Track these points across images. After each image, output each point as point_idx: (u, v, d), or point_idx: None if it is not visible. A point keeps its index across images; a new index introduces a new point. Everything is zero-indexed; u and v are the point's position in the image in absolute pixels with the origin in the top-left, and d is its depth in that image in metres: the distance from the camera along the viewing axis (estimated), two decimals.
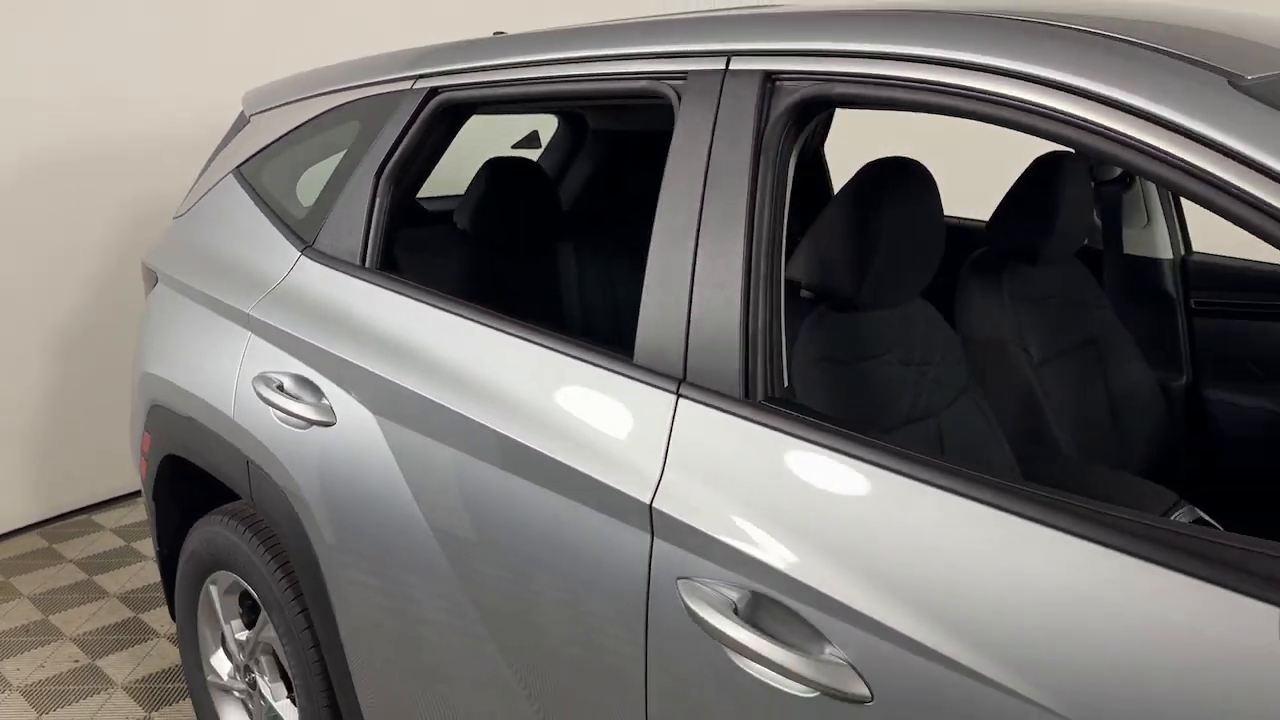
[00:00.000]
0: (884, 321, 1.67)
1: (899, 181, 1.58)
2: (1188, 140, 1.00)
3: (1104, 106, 1.06)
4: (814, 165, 3.17)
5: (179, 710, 2.76)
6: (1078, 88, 1.07)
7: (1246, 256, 2.33)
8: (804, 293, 1.63)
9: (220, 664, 2.38)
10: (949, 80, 1.18)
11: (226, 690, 2.38)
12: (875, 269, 1.54)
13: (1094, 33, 1.14)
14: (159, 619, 3.25)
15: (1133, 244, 2.37)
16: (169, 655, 3.03)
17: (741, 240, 1.33)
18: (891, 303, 1.65)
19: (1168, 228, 2.35)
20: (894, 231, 1.55)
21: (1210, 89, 1.01)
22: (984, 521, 1.07)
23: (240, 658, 2.30)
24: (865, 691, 1.12)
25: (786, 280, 1.39)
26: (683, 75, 1.46)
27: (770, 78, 1.36)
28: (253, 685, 2.29)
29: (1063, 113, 1.08)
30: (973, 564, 1.07)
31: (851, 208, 1.56)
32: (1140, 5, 1.37)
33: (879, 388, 1.64)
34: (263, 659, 2.24)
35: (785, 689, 1.18)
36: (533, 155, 3.41)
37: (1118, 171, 2.32)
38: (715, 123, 1.39)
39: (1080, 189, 2.11)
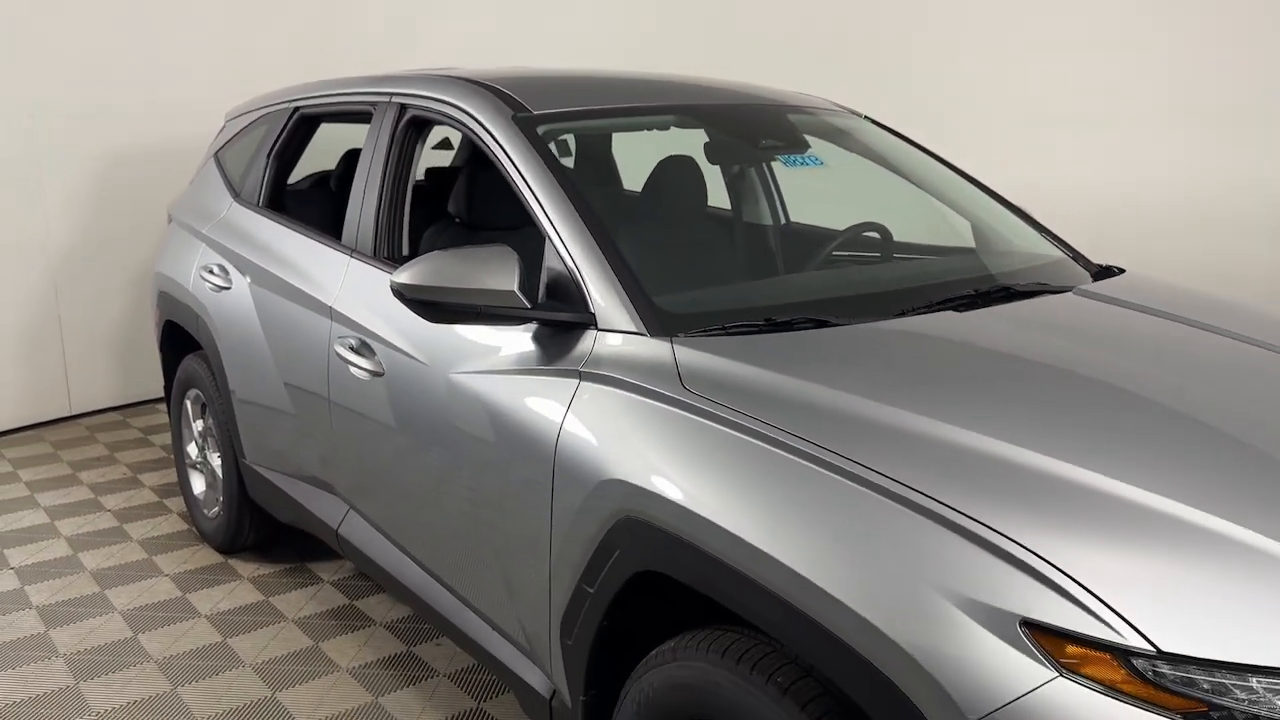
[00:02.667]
0: (501, 237, 3.11)
1: (481, 158, 3.00)
2: (485, 132, 2.45)
3: (456, 111, 2.54)
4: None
5: (169, 482, 4.35)
6: (441, 99, 2.55)
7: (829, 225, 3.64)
8: (456, 220, 3.09)
9: (191, 450, 3.97)
10: (427, 105, 2.66)
11: (194, 466, 3.97)
12: (471, 206, 2.98)
13: (456, 76, 2.61)
14: None
15: (750, 214, 3.71)
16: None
17: (380, 181, 2.82)
18: (499, 226, 3.08)
19: (768, 204, 3.68)
20: (474, 188, 2.97)
21: (491, 109, 2.46)
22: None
23: (198, 441, 3.88)
24: (383, 370, 2.59)
25: (448, 211, 2.87)
26: (376, 102, 2.97)
27: (403, 107, 2.85)
28: (204, 459, 3.87)
29: (450, 116, 2.55)
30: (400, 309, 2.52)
31: (466, 175, 3.01)
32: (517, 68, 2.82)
33: None
34: (208, 439, 3.81)
35: (364, 376, 2.65)
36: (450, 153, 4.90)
37: (736, 168, 3.67)
38: (380, 126, 2.89)
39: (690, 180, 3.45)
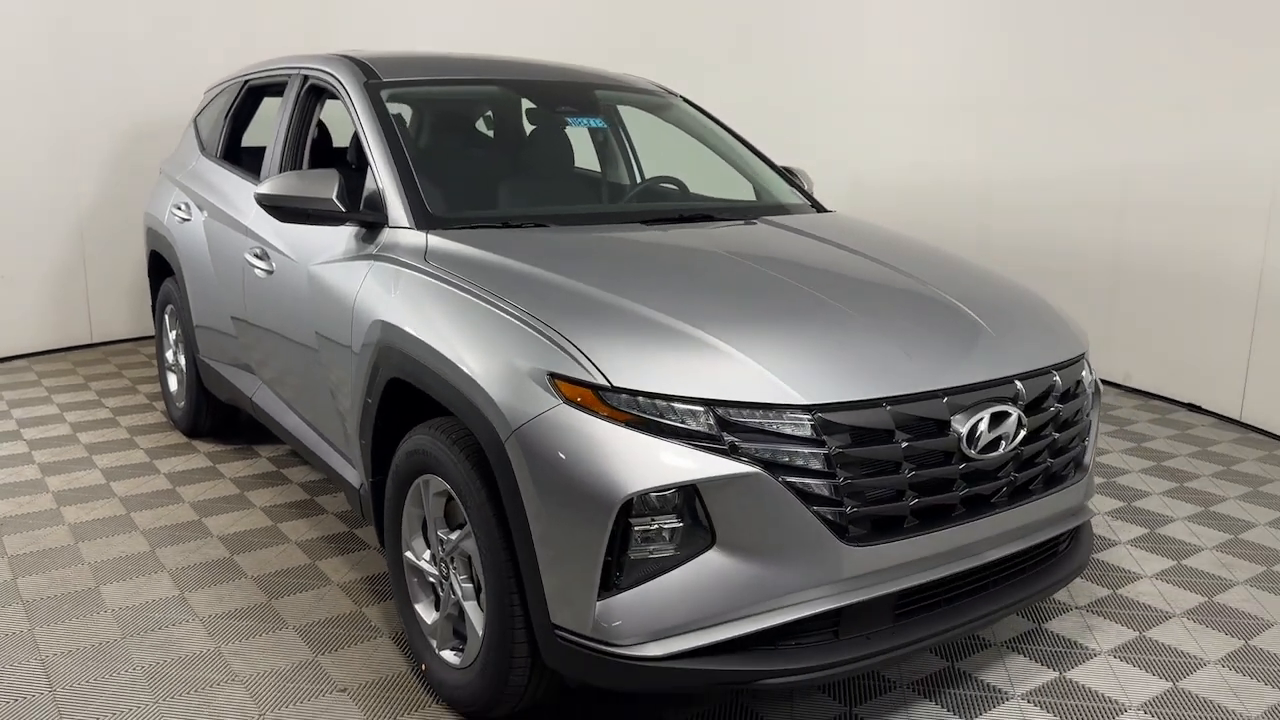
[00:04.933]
0: None
1: None
2: (345, 93, 3.38)
3: (331, 78, 3.48)
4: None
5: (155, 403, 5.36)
6: (323, 70, 3.50)
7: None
8: (351, 165, 4.02)
9: (169, 355, 4.98)
10: (316, 75, 3.60)
11: (170, 368, 4.97)
12: (359, 154, 3.91)
13: (339, 54, 3.55)
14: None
15: (612, 175, 4.60)
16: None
17: (286, 132, 3.78)
18: None
19: (627, 166, 4.56)
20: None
21: (351, 75, 3.39)
22: None
23: (173, 348, 4.89)
24: (274, 269, 3.54)
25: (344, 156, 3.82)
26: (290, 74, 3.93)
27: (305, 78, 3.81)
28: (177, 361, 4.87)
29: (326, 82, 3.50)
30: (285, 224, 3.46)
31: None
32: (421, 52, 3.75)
33: None
34: (179, 345, 4.81)
35: (262, 275, 3.61)
36: None
37: (601, 137, 4.56)
38: (290, 91, 3.85)
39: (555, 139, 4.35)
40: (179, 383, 4.88)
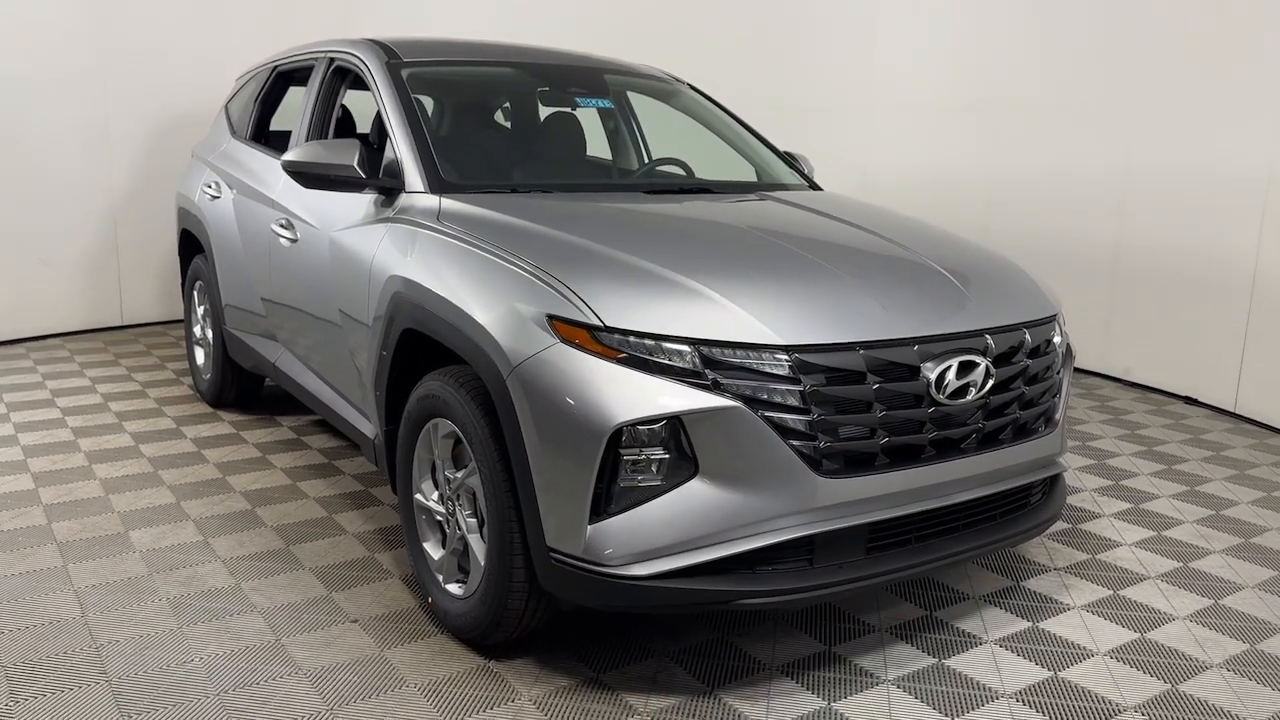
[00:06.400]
0: None
1: None
2: (369, 72, 3.59)
3: (356, 60, 3.70)
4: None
5: (188, 368, 5.58)
6: (349, 53, 3.71)
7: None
8: (372, 145, 4.24)
9: (196, 330, 5.20)
10: (343, 57, 3.82)
11: (197, 342, 5.20)
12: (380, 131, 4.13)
13: (379, 42, 3.77)
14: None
15: (621, 159, 4.79)
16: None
17: (312, 110, 4.00)
18: None
19: (635, 150, 4.75)
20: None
21: (375, 56, 3.61)
22: None
23: (200, 322, 5.11)
24: (298, 238, 3.75)
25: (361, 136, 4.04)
26: (317, 58, 4.15)
27: (332, 60, 4.03)
28: (204, 336, 5.09)
29: (356, 63, 3.71)
30: (309, 194, 3.67)
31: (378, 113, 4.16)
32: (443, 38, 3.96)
33: None
34: (207, 319, 5.03)
35: (287, 244, 3.82)
36: None
37: (612, 124, 4.75)
38: (317, 73, 4.07)
39: (568, 127, 4.56)
40: (205, 356, 5.10)
